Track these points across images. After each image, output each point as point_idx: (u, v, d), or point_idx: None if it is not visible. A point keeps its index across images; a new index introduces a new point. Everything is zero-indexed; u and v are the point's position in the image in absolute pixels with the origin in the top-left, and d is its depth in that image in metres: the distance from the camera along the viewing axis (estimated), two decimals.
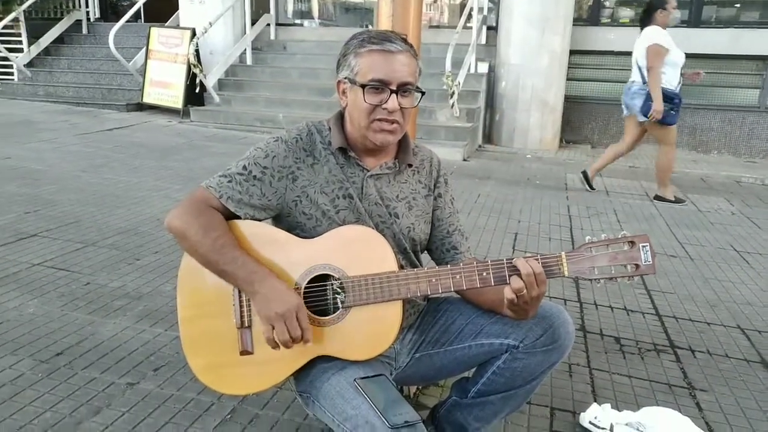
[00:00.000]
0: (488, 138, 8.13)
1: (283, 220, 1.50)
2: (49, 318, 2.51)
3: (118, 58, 8.45)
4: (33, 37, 9.59)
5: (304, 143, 1.49)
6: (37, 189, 4.42)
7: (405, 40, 1.44)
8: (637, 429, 1.90)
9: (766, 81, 7.85)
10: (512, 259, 1.35)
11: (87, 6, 10.51)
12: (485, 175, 6.09)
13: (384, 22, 1.88)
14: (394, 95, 1.39)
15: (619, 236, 1.37)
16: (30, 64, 9.51)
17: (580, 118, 8.54)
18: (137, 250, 3.33)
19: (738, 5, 8.23)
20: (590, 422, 1.95)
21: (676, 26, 7.97)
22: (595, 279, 1.35)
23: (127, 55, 8.76)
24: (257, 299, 1.35)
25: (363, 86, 1.39)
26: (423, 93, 1.47)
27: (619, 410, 2.03)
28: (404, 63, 1.40)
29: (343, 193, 1.47)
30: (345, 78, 1.44)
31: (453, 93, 6.71)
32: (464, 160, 6.77)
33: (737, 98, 8.04)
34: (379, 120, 1.41)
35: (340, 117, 1.52)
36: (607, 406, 2.03)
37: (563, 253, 1.36)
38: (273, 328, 1.33)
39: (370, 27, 9.45)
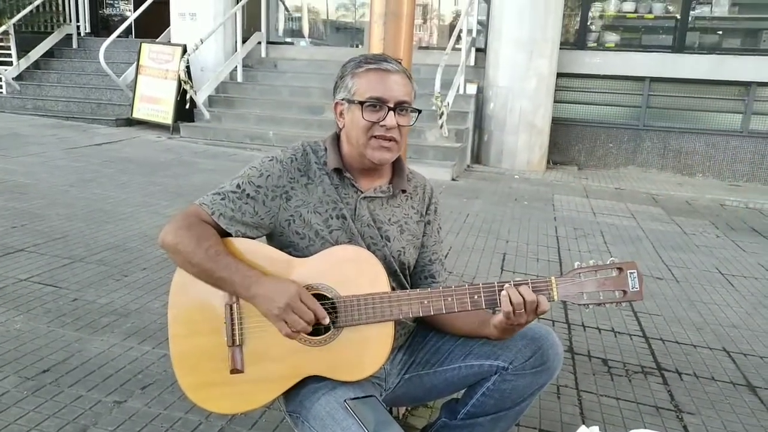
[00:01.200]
0: (476, 158, 8.21)
1: (275, 238, 1.51)
2: (36, 334, 2.48)
3: (108, 72, 8.45)
4: (22, 51, 9.56)
5: (299, 163, 1.51)
6: (25, 203, 4.39)
7: (400, 63, 1.48)
8: None
9: (748, 106, 8.01)
10: (503, 284, 1.37)
11: (78, 20, 10.51)
12: (473, 194, 6.14)
13: (376, 44, 1.90)
14: (391, 112, 1.42)
15: (608, 262, 1.39)
16: (19, 78, 9.48)
17: (567, 140, 8.64)
18: (125, 267, 3.31)
19: (720, 32, 8.42)
20: None
21: (660, 51, 8.19)
22: (583, 304, 1.37)
23: (117, 70, 8.76)
24: (259, 302, 1.35)
25: (362, 103, 1.42)
26: (419, 111, 1.50)
27: None
28: (400, 83, 1.44)
29: (337, 213, 1.48)
30: (342, 99, 1.47)
31: (442, 113, 6.77)
32: (453, 179, 6.82)
33: (721, 123, 8.19)
34: (377, 137, 1.44)
35: (336, 138, 1.55)
36: (596, 428, 2.03)
37: (553, 277, 1.38)
38: (285, 322, 1.33)
39: (360, 47, 9.54)
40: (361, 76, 1.44)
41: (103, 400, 2.06)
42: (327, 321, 1.36)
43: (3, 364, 2.24)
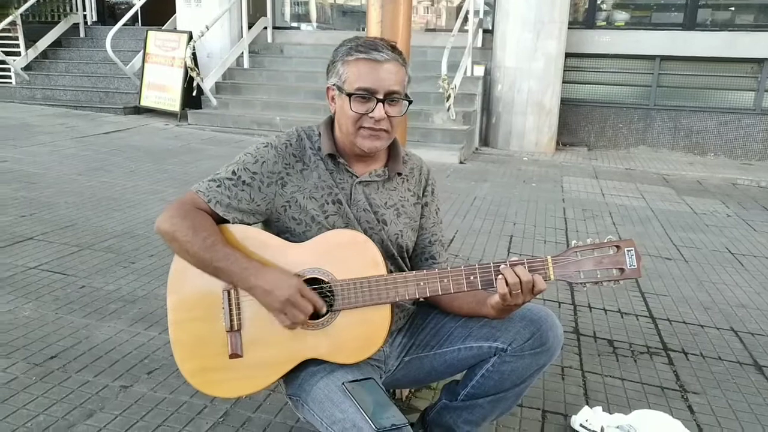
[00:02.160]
0: (484, 141, 8.16)
1: (272, 224, 1.51)
2: (44, 321, 2.51)
3: (115, 61, 8.47)
4: (30, 41, 9.60)
5: (293, 149, 1.50)
6: (34, 192, 4.43)
7: (394, 48, 1.44)
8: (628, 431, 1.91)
9: (761, 83, 7.88)
10: (499, 263, 1.36)
11: (84, 9, 10.51)
12: (481, 177, 6.11)
13: (373, 27, 1.88)
14: (380, 104, 1.40)
15: (605, 240, 1.38)
16: (27, 68, 9.52)
17: (576, 121, 8.57)
18: (133, 254, 3.34)
19: (732, 8, 8.26)
20: (581, 425, 1.96)
21: (671, 29, 8.06)
22: (581, 283, 1.37)
23: (124, 59, 8.78)
24: (258, 293, 1.36)
25: (350, 95, 1.40)
26: (410, 102, 1.47)
27: (610, 413, 2.04)
28: (391, 72, 1.41)
29: (332, 198, 1.48)
30: (333, 85, 1.46)
31: (449, 96, 6.72)
32: (460, 162, 6.79)
33: (733, 101, 8.06)
34: (366, 128, 1.43)
35: (330, 122, 1.53)
36: (599, 408, 2.04)
37: (549, 257, 1.37)
38: (285, 314, 1.34)
39: (365, 30, 9.47)
40: (352, 64, 1.41)
41: (110, 385, 2.09)
42: (324, 310, 1.37)
43: (12, 350, 2.27)
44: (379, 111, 1.40)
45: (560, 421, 2.05)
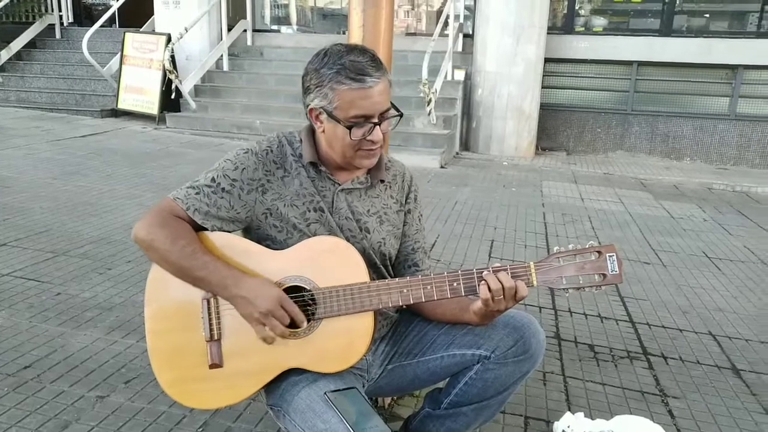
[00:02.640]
0: (465, 145, 8.19)
1: (252, 231, 1.49)
2: (17, 330, 2.45)
3: (92, 63, 8.33)
4: (4, 42, 9.42)
5: (274, 155, 1.48)
6: (7, 197, 4.34)
7: (374, 60, 1.40)
8: None
9: (736, 89, 8.02)
10: (482, 270, 1.36)
11: (60, 10, 10.34)
12: (462, 182, 6.12)
13: (355, 32, 1.87)
14: (377, 127, 1.39)
15: (587, 246, 1.38)
16: (1, 69, 9.33)
17: (555, 126, 8.64)
18: (109, 260, 3.28)
19: (708, 15, 8.41)
20: (563, 431, 1.96)
21: (648, 35, 8.17)
22: (563, 288, 1.37)
23: (101, 61, 8.64)
24: (238, 303, 1.34)
25: (349, 127, 1.37)
26: (401, 115, 1.46)
27: (592, 418, 2.04)
28: (381, 92, 1.38)
29: (314, 206, 1.46)
30: (321, 108, 1.40)
31: (430, 100, 6.74)
32: (441, 167, 6.80)
33: (708, 106, 8.20)
34: (364, 150, 1.42)
35: (311, 130, 1.51)
36: (581, 414, 2.04)
37: (532, 263, 1.37)
38: (264, 325, 1.32)
39: (346, 33, 9.45)
40: (344, 93, 1.36)
41: (86, 395, 2.04)
42: (304, 325, 1.35)
43: None
44: (377, 134, 1.40)
45: (542, 428, 2.06)
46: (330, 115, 1.39)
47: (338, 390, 1.34)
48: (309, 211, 1.46)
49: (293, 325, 1.35)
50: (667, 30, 8.18)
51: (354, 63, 1.37)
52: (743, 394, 2.37)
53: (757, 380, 2.49)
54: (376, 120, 1.39)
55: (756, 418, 2.20)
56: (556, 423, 2.00)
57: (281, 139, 1.51)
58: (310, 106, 1.43)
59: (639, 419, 2.01)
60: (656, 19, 8.33)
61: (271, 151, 1.48)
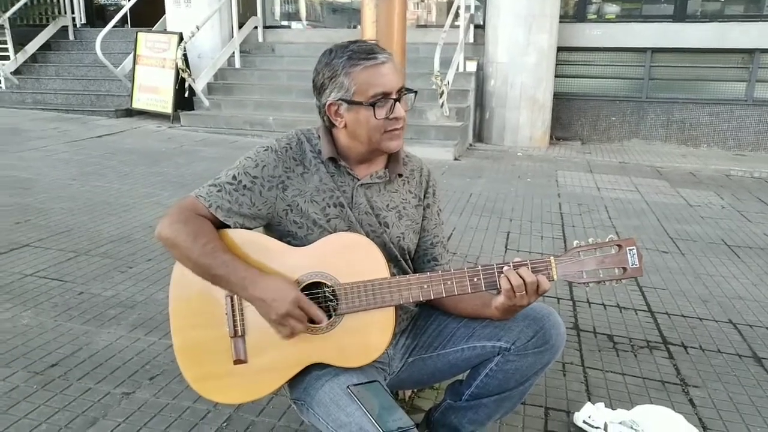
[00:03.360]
0: (478, 136, 8.16)
1: (273, 228, 1.50)
2: (43, 329, 2.50)
3: (105, 63, 8.41)
4: (19, 45, 9.52)
5: (294, 152, 1.49)
6: (28, 198, 4.40)
7: (378, 45, 1.46)
8: (631, 427, 1.92)
9: (753, 74, 7.91)
10: (503, 265, 1.36)
11: (73, 12, 10.43)
12: (476, 174, 6.11)
13: (368, 27, 1.88)
14: (398, 103, 1.42)
15: (607, 240, 1.38)
16: (17, 72, 9.45)
17: (569, 115, 8.58)
18: (130, 258, 3.32)
19: None
20: (584, 421, 1.97)
21: (662, 21, 8.08)
22: (584, 282, 1.37)
23: (114, 61, 8.72)
24: (257, 305, 1.36)
25: (373, 104, 1.39)
26: (416, 92, 1.50)
27: (612, 409, 2.05)
28: (394, 69, 1.42)
29: (334, 201, 1.48)
30: (339, 99, 1.42)
31: (442, 92, 6.72)
32: (455, 159, 6.79)
33: (724, 92, 8.10)
34: (390, 131, 1.43)
35: (328, 128, 1.52)
36: (601, 404, 2.05)
37: (552, 257, 1.37)
38: (283, 326, 1.34)
39: (357, 27, 9.44)
40: (359, 74, 1.39)
41: (111, 392, 2.08)
42: (324, 323, 1.37)
43: (12, 359, 2.26)
44: (400, 110, 1.42)
45: (563, 418, 2.06)
46: (350, 102, 1.41)
47: (361, 383, 1.36)
48: (329, 206, 1.47)
49: (309, 324, 1.37)
50: (681, 15, 8.08)
51: (361, 46, 1.43)
52: (765, 382, 2.35)
53: None
54: (395, 96, 1.41)
55: None
56: (576, 413, 2.01)
57: (299, 136, 1.53)
58: (327, 102, 1.44)
59: (660, 409, 2.02)
60: (670, 4, 8.22)
61: (291, 147, 1.50)
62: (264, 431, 1.90)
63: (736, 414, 2.14)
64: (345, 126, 1.45)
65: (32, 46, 9.71)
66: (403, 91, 1.43)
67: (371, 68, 1.39)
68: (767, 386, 2.33)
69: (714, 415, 2.12)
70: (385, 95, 1.40)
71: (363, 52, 1.40)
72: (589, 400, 2.11)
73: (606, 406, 2.05)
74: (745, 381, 2.36)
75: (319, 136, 1.52)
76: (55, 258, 3.28)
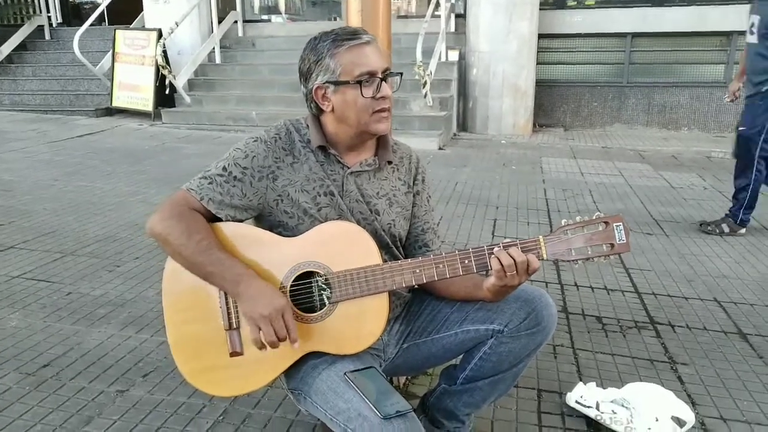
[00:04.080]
0: (462, 126, 8.18)
1: (264, 219, 1.51)
2: (33, 330, 2.48)
3: (84, 62, 8.31)
4: None
5: (283, 142, 1.50)
6: (11, 200, 4.35)
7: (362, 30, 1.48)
8: (622, 405, 1.95)
9: (731, 56, 8.00)
10: (493, 246, 1.38)
11: (48, 11, 10.27)
12: (461, 163, 6.13)
13: (353, 17, 1.88)
14: (384, 82, 1.43)
15: (594, 217, 1.41)
16: None
17: (551, 102, 8.63)
18: (117, 257, 3.30)
19: None
20: (576, 401, 2.00)
21: (641, 6, 8.13)
22: (572, 260, 1.39)
23: (93, 60, 8.61)
24: (243, 300, 1.35)
25: (359, 82, 1.40)
26: (401, 74, 1.51)
27: (604, 388, 2.08)
28: (378, 50, 1.44)
29: (324, 190, 1.48)
30: (325, 82, 1.43)
31: (425, 83, 6.72)
32: (440, 149, 6.81)
33: (704, 74, 8.19)
34: (377, 111, 1.44)
35: (316, 116, 1.53)
36: (592, 384, 2.08)
37: (541, 237, 1.39)
38: (259, 329, 1.33)
39: (338, 20, 9.42)
40: (343, 54, 1.40)
41: (105, 390, 2.08)
42: (296, 345, 1.35)
43: (2, 361, 2.24)
44: (386, 89, 1.43)
45: (555, 399, 2.09)
46: (337, 83, 1.42)
47: (357, 370, 1.37)
48: (319, 195, 1.48)
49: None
50: (659, 0, 8.14)
51: (345, 29, 1.46)
52: (750, 358, 2.40)
53: (764, 343, 2.52)
54: (380, 75, 1.42)
55: (764, 380, 2.24)
56: (569, 394, 2.04)
57: (288, 127, 1.53)
58: (314, 86, 1.45)
59: (650, 386, 2.05)
60: None
61: (280, 138, 1.50)
62: (261, 423, 1.91)
63: (723, 389, 2.18)
64: (332, 110, 1.46)
65: (7, 47, 9.56)
66: (388, 72, 1.44)
67: (356, 48, 1.40)
68: (753, 361, 2.37)
69: (702, 391, 2.17)
70: (371, 74, 1.41)
71: (347, 34, 1.42)
72: (581, 381, 2.14)
73: (597, 386, 2.08)
74: (731, 357, 2.41)
75: (307, 126, 1.53)
76: (42, 259, 3.25)
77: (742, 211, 3.98)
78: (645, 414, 1.90)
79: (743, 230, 4.01)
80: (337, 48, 1.41)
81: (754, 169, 3.91)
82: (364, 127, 1.45)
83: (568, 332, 2.58)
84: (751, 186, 3.94)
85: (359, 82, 1.40)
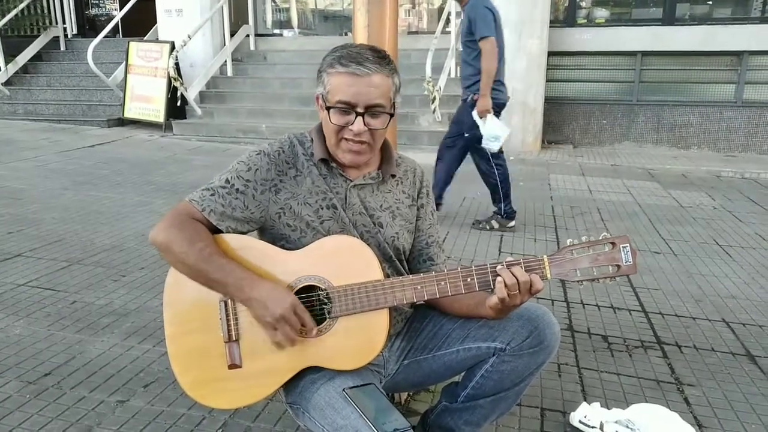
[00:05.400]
0: None
1: (267, 232, 1.51)
2: (36, 338, 2.49)
3: (97, 73, 8.40)
4: (10, 55, 9.50)
5: (286, 155, 1.50)
6: (20, 208, 4.38)
7: (383, 58, 1.42)
8: (627, 426, 1.92)
9: (741, 75, 7.98)
10: (496, 264, 1.37)
11: (64, 22, 10.42)
12: (469, 178, 6.11)
13: (360, 32, 1.89)
14: (360, 117, 1.40)
15: (600, 237, 1.39)
16: (8, 83, 9.42)
17: (560, 119, 8.62)
18: (123, 267, 3.31)
19: (710, 2, 8.37)
20: (580, 421, 1.97)
21: (651, 25, 8.13)
22: (577, 281, 1.37)
23: (106, 71, 8.71)
24: (253, 305, 1.35)
25: (329, 108, 1.41)
26: (392, 115, 1.46)
27: (608, 408, 2.05)
28: (374, 85, 1.39)
29: (327, 203, 1.48)
30: (320, 94, 1.46)
31: (434, 98, 6.75)
32: None
33: (714, 94, 8.16)
34: (347, 140, 1.43)
35: (322, 128, 1.53)
36: (597, 404, 2.05)
37: (545, 256, 1.38)
38: (277, 330, 1.33)
39: (349, 34, 9.48)
40: (334, 76, 1.40)
41: (105, 400, 2.07)
42: (314, 332, 1.36)
43: (4, 369, 2.24)
44: (358, 125, 1.40)
45: (559, 419, 2.06)
46: (324, 99, 1.43)
47: (356, 386, 1.35)
48: (322, 208, 1.47)
49: (304, 327, 1.37)
50: (670, 19, 8.14)
51: (352, 52, 1.41)
52: (759, 380, 2.36)
53: None
54: (360, 110, 1.39)
55: None
56: (572, 413, 2.01)
57: (292, 140, 1.53)
58: (317, 93, 1.47)
59: (655, 407, 2.02)
60: (659, 8, 8.29)
61: (283, 151, 1.50)
62: None
63: (731, 412, 2.14)
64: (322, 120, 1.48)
65: (23, 57, 9.70)
66: (377, 108, 1.41)
67: (344, 75, 1.39)
68: (761, 384, 2.34)
69: (709, 413, 2.13)
70: (349, 105, 1.39)
71: (347, 58, 1.39)
72: (585, 400, 2.11)
73: (602, 406, 2.05)
74: (739, 379, 2.37)
75: (311, 140, 1.53)
76: (48, 267, 3.26)
77: (504, 204, 4.29)
78: None
79: (512, 222, 4.30)
80: (330, 68, 1.41)
81: (492, 165, 4.26)
82: (334, 149, 1.46)
83: (573, 350, 2.56)
84: (498, 181, 4.28)
85: (329, 108, 1.41)
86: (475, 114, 4.09)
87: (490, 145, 4.13)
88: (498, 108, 4.19)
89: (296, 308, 1.34)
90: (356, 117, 1.40)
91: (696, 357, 2.54)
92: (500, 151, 4.25)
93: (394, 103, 1.46)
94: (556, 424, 2.04)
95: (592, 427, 1.94)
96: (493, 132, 4.08)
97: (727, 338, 2.72)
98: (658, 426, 1.91)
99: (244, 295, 1.35)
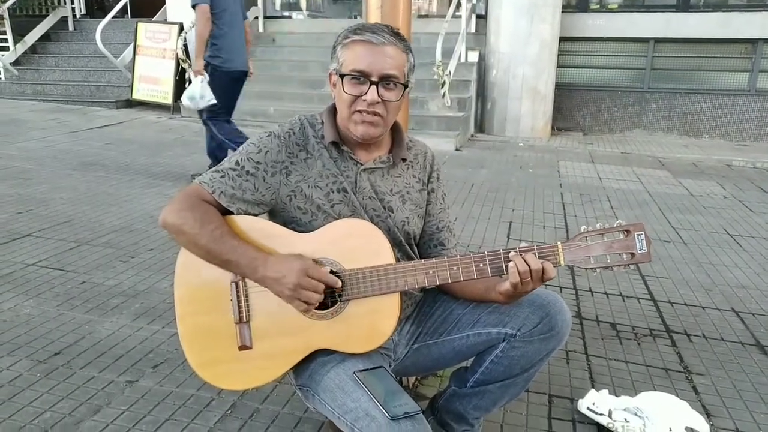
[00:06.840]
0: (480, 127, 8.14)
1: (278, 214, 1.50)
2: (46, 318, 2.50)
3: (105, 54, 8.38)
4: (18, 35, 9.49)
5: (296, 138, 1.49)
6: (29, 189, 4.40)
7: (396, 34, 1.43)
8: (635, 414, 1.92)
9: (756, 64, 7.88)
10: (509, 251, 1.35)
11: (72, 2, 10.39)
12: (478, 164, 6.10)
13: (373, 13, 1.87)
14: (374, 87, 1.38)
15: (615, 225, 1.37)
16: (16, 63, 9.42)
17: (571, 105, 8.55)
18: (132, 248, 3.32)
19: None
20: (588, 408, 1.97)
21: (664, 11, 8.03)
22: (591, 268, 1.36)
23: (114, 52, 8.69)
24: (268, 283, 1.35)
25: (343, 76, 1.40)
26: (407, 87, 1.44)
27: (616, 396, 2.05)
28: (389, 55, 1.38)
29: (337, 187, 1.47)
30: (333, 70, 1.45)
31: (444, 83, 6.70)
32: (457, 149, 6.77)
33: (727, 82, 8.07)
34: (360, 111, 1.41)
35: (333, 110, 1.52)
36: (605, 391, 2.05)
37: (559, 242, 1.36)
38: (299, 299, 1.32)
39: (359, 18, 9.40)
40: (348, 47, 1.40)
41: (115, 380, 2.08)
42: (339, 285, 1.35)
43: (14, 348, 2.26)
44: (372, 94, 1.38)
45: (567, 405, 2.06)
46: (338, 73, 1.42)
47: (366, 369, 1.35)
48: (333, 192, 1.46)
49: (323, 306, 1.37)
50: (684, 5, 8.04)
51: (368, 24, 1.42)
52: None
53: None
54: (374, 79, 1.38)
55: None
56: (580, 400, 2.01)
57: (303, 122, 1.52)
58: (329, 71, 1.47)
59: (664, 395, 2.02)
60: None
61: (294, 133, 1.49)
62: (269, 418, 1.90)
63: (740, 401, 2.14)
64: (335, 98, 1.47)
65: (32, 37, 9.68)
66: (391, 79, 1.39)
67: (359, 44, 1.39)
68: None
69: (718, 402, 2.12)
70: (363, 74, 1.38)
71: (362, 28, 1.40)
72: (593, 388, 2.11)
73: (610, 393, 2.05)
74: (748, 368, 2.36)
75: (322, 122, 1.51)
76: (57, 248, 3.27)
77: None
78: (658, 423, 1.87)
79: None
80: (345, 39, 1.41)
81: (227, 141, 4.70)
82: (347, 123, 1.44)
83: (581, 338, 2.55)
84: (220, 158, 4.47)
85: (343, 76, 1.40)
86: (192, 74, 4.44)
87: (185, 101, 4.51)
88: (227, 76, 4.58)
89: (308, 270, 1.32)
90: (370, 86, 1.38)
91: (705, 346, 2.53)
92: (240, 134, 4.72)
93: (408, 81, 1.45)
94: (564, 410, 2.03)
95: (601, 414, 1.94)
96: (192, 92, 4.43)
97: (736, 328, 2.71)
98: (667, 414, 1.90)
99: (258, 274, 1.35)
